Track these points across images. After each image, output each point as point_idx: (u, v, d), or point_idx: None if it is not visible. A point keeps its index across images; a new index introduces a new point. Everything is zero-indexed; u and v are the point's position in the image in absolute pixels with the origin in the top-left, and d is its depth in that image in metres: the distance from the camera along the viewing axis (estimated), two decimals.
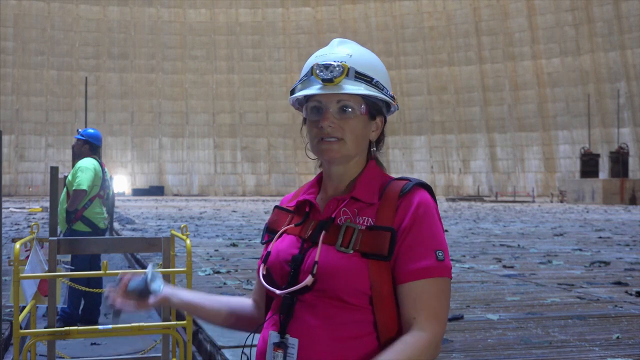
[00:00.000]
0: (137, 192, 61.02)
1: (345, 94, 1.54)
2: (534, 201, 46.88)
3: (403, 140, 64.09)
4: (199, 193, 64.82)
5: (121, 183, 60.92)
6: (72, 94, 63.56)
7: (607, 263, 9.26)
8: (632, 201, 39.36)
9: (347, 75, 1.54)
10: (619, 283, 7.40)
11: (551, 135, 59.67)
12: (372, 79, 1.57)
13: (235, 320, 1.75)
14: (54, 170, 4.07)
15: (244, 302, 1.77)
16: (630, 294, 6.64)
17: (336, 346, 1.47)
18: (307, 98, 1.59)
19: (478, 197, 52.26)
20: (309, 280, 1.49)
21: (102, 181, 6.89)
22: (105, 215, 6.98)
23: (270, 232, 1.69)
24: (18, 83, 62.87)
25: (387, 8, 65.20)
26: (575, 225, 18.85)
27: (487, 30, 62.34)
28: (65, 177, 7.00)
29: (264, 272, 1.61)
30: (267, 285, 1.58)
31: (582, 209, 32.33)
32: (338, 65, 1.54)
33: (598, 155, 46.40)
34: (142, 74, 66.34)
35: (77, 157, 6.96)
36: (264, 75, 67.55)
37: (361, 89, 1.55)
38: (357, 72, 1.56)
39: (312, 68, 1.57)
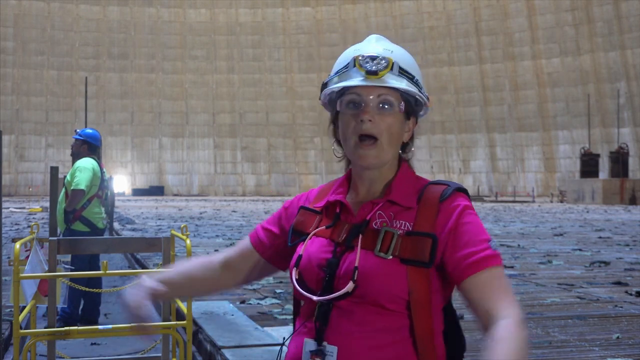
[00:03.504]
0: (137, 192, 61.01)
1: (386, 88, 1.50)
2: (534, 201, 46.87)
3: None
4: (199, 193, 64.80)
5: (121, 183, 60.89)
6: (72, 94, 63.57)
7: (607, 263, 9.26)
8: (632, 201, 39.34)
9: (391, 69, 1.50)
10: (619, 283, 7.40)
11: (551, 135, 59.67)
12: (413, 76, 1.53)
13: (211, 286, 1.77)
14: (54, 170, 4.07)
15: (212, 264, 1.71)
16: (630, 294, 6.64)
17: (374, 353, 1.44)
18: (343, 91, 1.53)
19: (478, 197, 52.21)
20: (350, 286, 1.45)
21: (100, 181, 6.89)
22: (104, 215, 6.98)
23: (296, 233, 1.61)
24: (18, 83, 62.88)
25: (387, 8, 65.19)
26: (575, 225, 18.84)
27: (487, 30, 62.34)
28: (65, 177, 6.99)
29: (297, 277, 1.53)
30: (302, 291, 1.51)
31: (582, 209, 32.32)
32: (383, 58, 1.50)
33: (598, 155, 46.38)
34: (142, 74, 66.35)
35: (75, 157, 6.95)
36: (264, 75, 67.55)
37: (404, 84, 1.51)
38: (400, 68, 1.52)
39: (354, 59, 1.51)
